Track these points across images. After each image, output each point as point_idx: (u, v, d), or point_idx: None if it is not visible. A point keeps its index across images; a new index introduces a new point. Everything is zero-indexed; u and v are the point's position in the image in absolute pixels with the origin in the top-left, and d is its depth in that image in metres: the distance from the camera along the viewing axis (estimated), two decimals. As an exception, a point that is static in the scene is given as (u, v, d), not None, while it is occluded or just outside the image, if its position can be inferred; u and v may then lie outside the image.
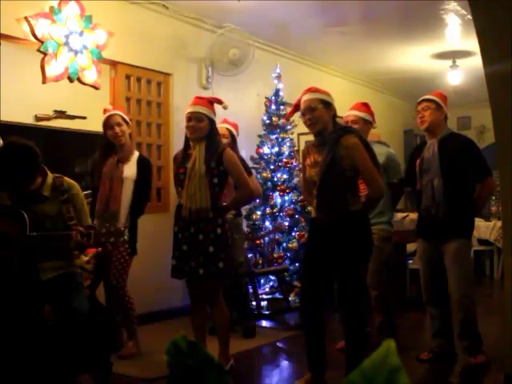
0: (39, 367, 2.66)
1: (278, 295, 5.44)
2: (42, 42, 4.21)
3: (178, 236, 3.43)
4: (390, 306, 4.09)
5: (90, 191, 3.99)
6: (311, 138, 3.41)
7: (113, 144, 3.94)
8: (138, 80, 5.20)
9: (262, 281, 5.52)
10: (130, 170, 3.93)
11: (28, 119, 5.04)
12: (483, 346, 3.70)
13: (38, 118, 5.18)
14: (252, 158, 5.51)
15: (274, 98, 5.64)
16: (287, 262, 5.48)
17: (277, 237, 5.50)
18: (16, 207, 2.81)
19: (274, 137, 5.59)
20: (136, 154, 4.05)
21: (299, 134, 6.73)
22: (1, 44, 4.22)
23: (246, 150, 5.23)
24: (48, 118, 5.23)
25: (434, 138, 3.76)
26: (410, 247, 6.07)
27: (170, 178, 4.64)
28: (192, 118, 3.42)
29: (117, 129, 3.91)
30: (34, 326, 2.70)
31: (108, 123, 3.94)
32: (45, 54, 4.24)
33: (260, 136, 5.66)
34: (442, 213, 3.64)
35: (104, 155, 3.95)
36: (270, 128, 5.60)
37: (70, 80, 4.44)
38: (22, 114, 4.90)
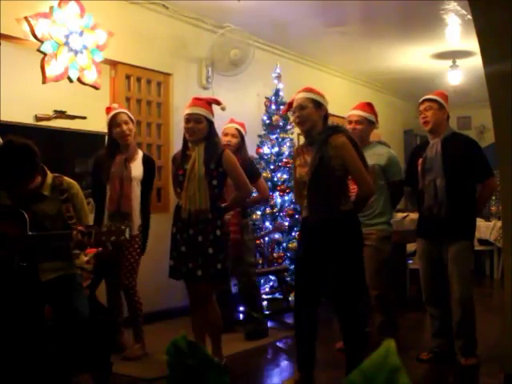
0: (39, 367, 2.66)
1: (277, 295, 5.45)
2: (42, 42, 4.21)
3: (177, 237, 3.43)
4: (390, 306, 4.08)
5: (89, 190, 3.99)
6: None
7: (117, 143, 3.92)
8: (138, 80, 5.21)
9: (262, 281, 5.52)
10: (136, 169, 3.92)
11: (28, 119, 5.04)
12: (477, 349, 3.71)
13: (37, 118, 5.17)
14: (252, 158, 5.51)
15: (273, 97, 5.64)
16: (287, 262, 5.48)
17: (277, 237, 5.50)
18: (16, 207, 2.81)
19: (274, 137, 5.59)
20: (140, 152, 4.04)
21: (299, 134, 6.72)
22: (1, 44, 4.22)
23: (246, 150, 5.22)
24: (48, 118, 5.22)
25: (436, 138, 3.76)
26: (410, 247, 6.07)
27: (170, 179, 4.64)
28: (190, 119, 3.42)
29: (124, 127, 3.88)
30: (33, 327, 2.70)
31: (114, 121, 3.90)
32: (45, 54, 4.24)
33: (260, 136, 5.66)
34: (445, 212, 3.64)
35: (110, 154, 3.93)
36: (270, 128, 5.60)
37: (70, 80, 4.44)
38: (22, 114, 4.90)
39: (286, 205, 5.55)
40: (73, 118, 5.38)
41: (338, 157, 3.07)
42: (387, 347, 0.71)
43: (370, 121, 4.06)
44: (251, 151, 5.55)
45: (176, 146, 4.81)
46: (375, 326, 4.09)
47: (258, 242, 5.48)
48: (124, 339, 3.98)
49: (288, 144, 5.62)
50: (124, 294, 3.91)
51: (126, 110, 4.05)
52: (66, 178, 3.03)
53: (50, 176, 2.96)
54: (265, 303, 5.32)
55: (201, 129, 3.41)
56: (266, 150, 5.59)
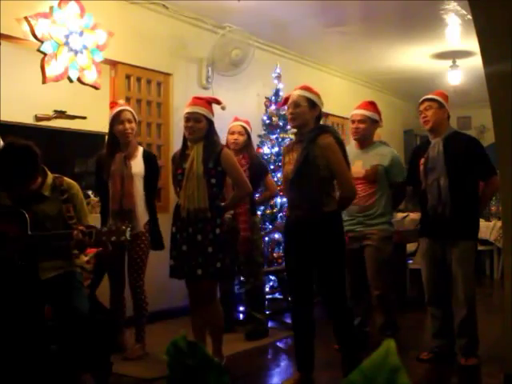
0: (39, 367, 2.66)
1: (277, 295, 5.45)
2: (42, 42, 4.21)
3: (176, 236, 3.43)
4: (391, 306, 4.08)
5: (88, 191, 3.99)
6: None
7: (117, 140, 3.90)
8: (138, 80, 5.20)
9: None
10: (137, 166, 3.90)
11: (28, 119, 5.04)
12: (479, 349, 3.71)
13: (37, 118, 5.18)
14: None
15: (273, 97, 5.64)
16: (287, 262, 5.47)
17: (277, 237, 5.50)
18: (16, 207, 2.81)
19: (274, 137, 5.59)
20: (140, 149, 4.01)
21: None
22: (1, 44, 4.22)
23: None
24: (48, 118, 5.22)
25: (437, 137, 3.76)
26: (410, 247, 6.07)
27: (170, 178, 4.64)
28: (190, 118, 3.42)
29: (127, 125, 3.85)
30: (33, 326, 2.70)
31: (118, 118, 3.86)
32: (45, 54, 4.24)
33: (260, 136, 5.66)
34: (449, 212, 3.64)
35: (110, 153, 3.91)
36: (270, 128, 5.60)
37: (70, 80, 4.44)
38: (22, 114, 4.90)
39: (286, 205, 5.55)
40: (73, 117, 5.38)
41: (324, 157, 3.10)
42: (387, 347, 0.71)
43: (373, 120, 4.06)
44: (251, 151, 5.55)
45: (176, 145, 4.80)
46: (376, 325, 4.10)
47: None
48: (125, 339, 3.98)
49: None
50: (131, 292, 3.91)
51: (130, 108, 4.01)
52: (66, 178, 3.03)
53: (50, 176, 2.97)
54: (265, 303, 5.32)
55: (200, 128, 3.42)
56: (266, 149, 5.59)
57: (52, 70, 4.28)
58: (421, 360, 3.78)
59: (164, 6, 5.26)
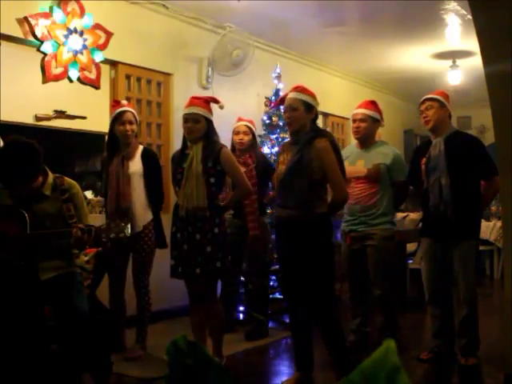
0: (40, 367, 2.66)
1: (277, 295, 5.44)
2: (42, 42, 4.21)
3: (177, 236, 3.44)
4: (392, 306, 4.08)
5: (89, 191, 3.99)
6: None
7: (117, 139, 3.89)
8: (138, 80, 5.21)
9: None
10: (135, 164, 3.88)
11: (28, 119, 5.04)
12: (479, 350, 3.71)
13: (37, 118, 5.17)
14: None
15: (273, 97, 5.63)
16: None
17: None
18: (17, 207, 2.82)
19: (274, 137, 5.59)
20: (140, 148, 3.98)
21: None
22: (1, 44, 4.22)
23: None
24: (48, 118, 5.22)
25: (439, 137, 3.75)
26: (410, 247, 6.07)
27: (170, 178, 4.64)
28: (189, 119, 3.43)
29: (128, 127, 3.84)
30: (34, 326, 2.70)
31: (119, 119, 3.85)
32: (45, 54, 4.24)
33: (260, 136, 5.65)
34: (450, 211, 3.63)
35: (110, 155, 3.91)
36: (270, 128, 5.60)
37: (70, 80, 4.44)
38: (22, 114, 4.89)
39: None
40: (73, 117, 5.37)
41: (318, 159, 3.12)
42: (387, 347, 0.71)
43: (374, 119, 4.06)
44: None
45: (176, 145, 4.80)
46: (377, 325, 4.10)
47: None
48: (125, 339, 3.98)
49: (288, 144, 5.62)
50: (135, 292, 3.91)
51: (132, 110, 3.98)
52: (66, 178, 3.04)
53: (51, 176, 2.97)
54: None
55: (199, 128, 3.42)
56: (266, 149, 5.59)
57: (52, 70, 4.28)
58: (421, 360, 3.78)
59: (164, 5, 5.26)
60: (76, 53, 4.42)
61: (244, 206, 4.33)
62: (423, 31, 6.20)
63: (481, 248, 7.30)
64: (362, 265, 4.03)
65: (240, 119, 4.66)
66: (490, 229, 7.15)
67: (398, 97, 9.33)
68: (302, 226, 3.13)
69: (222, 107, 3.70)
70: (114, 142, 3.90)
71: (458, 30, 6.13)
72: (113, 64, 4.96)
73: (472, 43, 5.32)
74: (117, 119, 3.86)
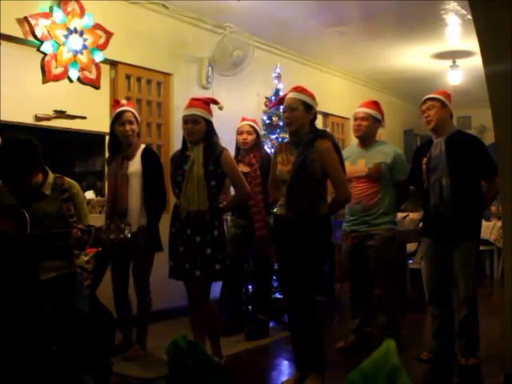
0: (40, 367, 2.66)
1: (277, 295, 5.44)
2: (42, 42, 4.21)
3: (175, 237, 3.44)
4: (392, 306, 4.08)
5: (91, 190, 3.98)
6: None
7: (119, 140, 3.87)
8: (138, 80, 5.21)
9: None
10: (134, 165, 3.85)
11: (28, 119, 5.04)
12: (479, 350, 3.71)
13: (37, 118, 5.18)
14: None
15: (273, 98, 5.63)
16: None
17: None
18: (17, 206, 2.82)
19: (274, 137, 5.59)
20: (141, 147, 3.94)
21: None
22: (1, 44, 4.22)
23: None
24: (48, 118, 5.23)
25: (440, 137, 3.74)
26: (410, 247, 6.07)
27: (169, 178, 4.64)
28: (188, 120, 3.43)
29: (128, 127, 3.82)
30: (34, 326, 2.70)
31: (119, 119, 3.83)
32: (45, 54, 4.24)
33: (260, 136, 5.65)
34: (451, 212, 3.63)
35: (112, 155, 3.90)
36: (270, 128, 5.60)
37: (70, 80, 4.44)
38: (22, 114, 4.90)
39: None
40: (73, 117, 5.38)
41: (320, 160, 3.13)
42: (387, 347, 0.71)
43: (375, 118, 4.07)
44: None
45: (176, 145, 4.80)
46: (377, 325, 4.10)
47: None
48: (132, 337, 3.98)
49: (288, 144, 5.62)
50: (135, 292, 3.92)
51: (132, 109, 3.95)
52: (66, 178, 3.05)
53: (51, 176, 2.98)
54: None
55: (199, 129, 3.42)
56: (266, 149, 5.58)
57: (52, 70, 4.28)
58: (421, 360, 3.78)
59: (164, 5, 5.26)
60: (76, 53, 4.42)
61: (250, 206, 4.32)
62: (423, 31, 6.20)
63: (481, 248, 7.31)
64: (362, 265, 4.03)
65: (244, 119, 4.66)
66: (489, 229, 7.15)
67: (398, 97, 9.33)
68: (304, 227, 3.14)
69: (221, 108, 3.70)
70: (116, 143, 3.89)
71: (458, 30, 6.13)
72: (113, 64, 4.96)
73: (472, 43, 5.32)
74: (116, 119, 3.85)
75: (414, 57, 7.26)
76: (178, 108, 5.20)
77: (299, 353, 3.32)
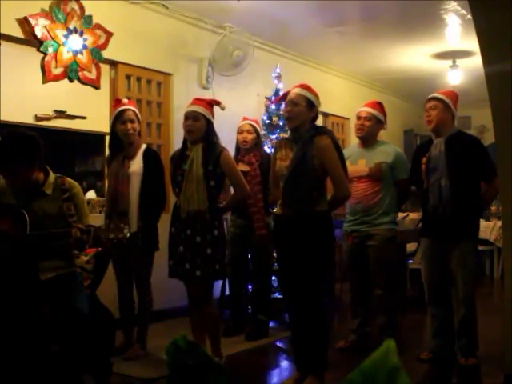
0: (40, 367, 2.66)
1: (277, 295, 5.44)
2: (42, 42, 4.21)
3: (175, 237, 3.44)
4: (392, 306, 4.08)
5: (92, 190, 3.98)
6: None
7: (120, 140, 3.87)
8: (138, 80, 5.21)
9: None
10: (135, 164, 3.84)
11: (28, 119, 5.03)
12: (478, 350, 3.72)
13: (37, 118, 5.16)
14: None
15: (273, 97, 5.63)
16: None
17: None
18: (17, 206, 2.82)
19: (274, 137, 5.59)
20: (143, 147, 3.94)
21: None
22: (1, 44, 4.22)
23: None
24: (48, 118, 5.21)
25: (440, 137, 3.72)
26: (410, 247, 6.07)
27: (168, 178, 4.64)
28: (189, 117, 3.45)
29: (129, 125, 3.81)
30: (34, 326, 2.70)
31: (120, 117, 3.82)
32: (45, 53, 4.24)
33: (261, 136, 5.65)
34: (449, 212, 3.62)
35: (113, 154, 3.90)
36: (270, 128, 5.60)
37: (70, 80, 4.45)
38: (22, 114, 4.89)
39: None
40: (73, 117, 5.37)
41: (319, 157, 3.11)
42: (387, 347, 0.71)
43: (378, 119, 4.07)
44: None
45: (176, 145, 4.80)
46: (377, 326, 4.09)
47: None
48: (133, 337, 3.98)
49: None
50: (136, 292, 3.94)
51: (133, 108, 3.94)
52: (67, 178, 3.05)
53: (52, 176, 2.99)
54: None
55: (198, 126, 3.43)
56: (266, 149, 5.58)
57: (52, 70, 4.28)
58: (421, 360, 3.78)
59: (164, 5, 5.27)
60: (76, 53, 4.42)
61: (249, 205, 4.32)
62: (423, 31, 6.20)
63: (481, 248, 7.31)
64: (363, 265, 4.03)
65: (245, 118, 4.67)
66: (489, 229, 7.15)
67: (398, 97, 9.33)
68: (304, 224, 3.13)
69: (223, 108, 3.71)
70: (117, 142, 3.88)
71: (458, 30, 6.13)
72: (113, 64, 4.96)
73: (472, 43, 5.32)
74: (118, 118, 3.84)
75: (414, 57, 7.26)
76: (178, 108, 5.20)
77: (299, 353, 3.32)
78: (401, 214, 6.24)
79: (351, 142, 7.50)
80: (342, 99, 7.71)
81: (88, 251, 3.12)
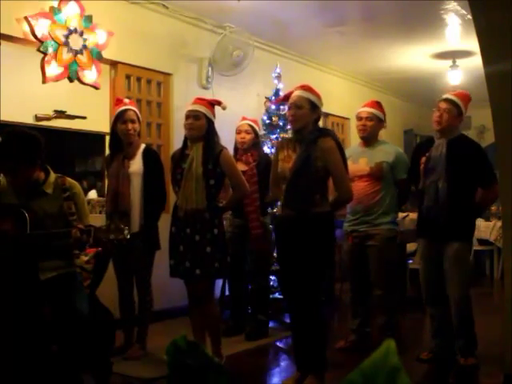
0: (40, 367, 2.66)
1: (277, 295, 5.44)
2: (42, 42, 4.21)
3: (175, 236, 3.44)
4: (393, 306, 4.08)
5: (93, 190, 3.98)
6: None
7: (120, 140, 3.87)
8: (138, 80, 5.21)
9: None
10: (135, 164, 3.84)
11: (28, 119, 5.05)
12: (477, 349, 3.71)
13: (37, 118, 5.18)
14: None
15: (273, 97, 5.63)
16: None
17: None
18: (17, 206, 2.82)
19: (274, 137, 5.59)
20: (142, 147, 3.93)
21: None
22: (1, 44, 4.22)
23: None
24: (48, 118, 5.23)
25: (443, 138, 3.71)
26: (410, 247, 6.07)
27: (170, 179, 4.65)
28: (190, 115, 3.46)
29: (130, 125, 3.81)
30: (33, 326, 2.70)
31: (121, 117, 3.82)
32: (45, 53, 4.24)
33: (260, 136, 5.65)
34: (444, 216, 3.60)
35: (113, 154, 3.90)
36: (270, 128, 5.60)
37: (70, 80, 4.44)
38: (22, 114, 4.90)
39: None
40: (73, 117, 5.38)
41: (323, 159, 3.12)
42: (387, 347, 0.71)
43: (379, 118, 4.08)
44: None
45: (176, 145, 4.80)
46: (377, 326, 4.09)
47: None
48: (133, 337, 3.98)
49: (288, 144, 5.62)
50: (137, 292, 3.94)
51: (135, 108, 3.95)
52: (68, 178, 3.06)
53: (52, 175, 3.00)
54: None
55: (199, 125, 3.43)
56: (266, 149, 5.58)
57: (52, 70, 4.28)
58: (421, 360, 3.78)
59: (164, 5, 5.26)
60: (76, 53, 4.42)
61: (244, 205, 4.33)
62: (423, 31, 6.20)
63: (481, 248, 7.33)
64: (363, 265, 4.03)
65: (244, 118, 4.67)
66: (489, 229, 7.15)
67: (398, 97, 9.33)
68: (307, 225, 3.12)
69: (224, 108, 3.72)
70: (117, 141, 3.88)
71: (458, 30, 6.13)
72: (113, 64, 4.96)
73: (472, 43, 5.32)
74: (118, 118, 3.84)
75: (414, 57, 7.26)
76: (178, 108, 5.20)
77: (299, 353, 3.32)
78: (401, 214, 6.24)
79: (351, 142, 7.50)
80: (342, 99, 7.71)
81: (88, 251, 3.12)
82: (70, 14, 4.38)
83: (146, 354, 3.88)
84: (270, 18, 5.65)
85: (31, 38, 4.17)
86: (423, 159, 3.74)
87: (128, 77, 5.10)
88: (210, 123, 3.48)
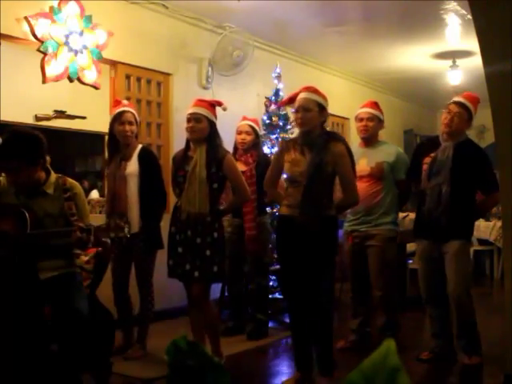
0: (39, 367, 2.66)
1: (277, 295, 5.44)
2: (42, 42, 4.21)
3: (175, 237, 3.44)
4: (393, 306, 4.08)
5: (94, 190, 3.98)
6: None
7: (118, 141, 3.86)
8: (138, 80, 5.21)
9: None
10: (132, 165, 3.84)
11: (28, 119, 5.04)
12: (481, 347, 3.71)
13: (37, 118, 5.18)
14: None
15: (273, 97, 5.63)
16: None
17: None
18: (17, 206, 2.82)
19: (274, 137, 5.59)
20: (138, 148, 3.92)
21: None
22: (1, 44, 4.22)
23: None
24: (48, 118, 5.23)
25: (450, 141, 3.69)
26: (410, 247, 6.07)
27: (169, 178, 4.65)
28: (191, 118, 3.45)
29: (127, 127, 3.81)
30: (33, 326, 2.70)
31: (119, 118, 3.83)
32: (45, 53, 4.24)
33: (260, 136, 5.65)
34: (445, 219, 3.61)
35: (110, 154, 3.90)
36: (270, 128, 5.60)
37: (70, 80, 4.44)
38: (22, 114, 4.90)
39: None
40: (73, 117, 5.38)
41: (333, 163, 3.13)
42: (387, 347, 0.71)
43: (379, 119, 4.09)
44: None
45: (176, 146, 4.81)
46: (377, 326, 4.09)
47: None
48: (133, 337, 3.98)
49: (288, 144, 5.62)
50: (138, 292, 3.93)
51: (133, 110, 3.95)
52: (68, 178, 3.06)
53: (53, 175, 3.00)
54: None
55: (201, 128, 3.42)
56: (266, 149, 5.58)
57: (52, 70, 4.28)
58: (421, 360, 3.78)
59: (164, 5, 5.26)
60: (76, 53, 4.42)
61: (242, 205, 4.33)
62: (423, 31, 6.20)
63: (481, 248, 7.33)
64: (364, 265, 4.03)
65: (244, 118, 4.66)
66: (489, 229, 7.15)
67: (398, 97, 9.33)
68: (313, 228, 3.11)
69: (225, 109, 3.71)
70: (115, 143, 3.88)
71: (458, 30, 6.13)
72: (113, 64, 4.96)
73: (472, 43, 5.32)
74: (116, 119, 3.84)
75: (414, 57, 7.26)
76: (178, 108, 5.20)
77: (299, 353, 3.32)
78: (401, 214, 6.23)
79: (351, 142, 7.50)
80: (342, 99, 7.71)
81: (88, 251, 3.12)
82: (70, 14, 4.37)
83: (146, 354, 3.88)
84: (270, 18, 5.65)
85: (31, 38, 4.17)
86: (426, 159, 3.74)
87: (128, 77, 5.10)
88: (212, 125, 3.48)
